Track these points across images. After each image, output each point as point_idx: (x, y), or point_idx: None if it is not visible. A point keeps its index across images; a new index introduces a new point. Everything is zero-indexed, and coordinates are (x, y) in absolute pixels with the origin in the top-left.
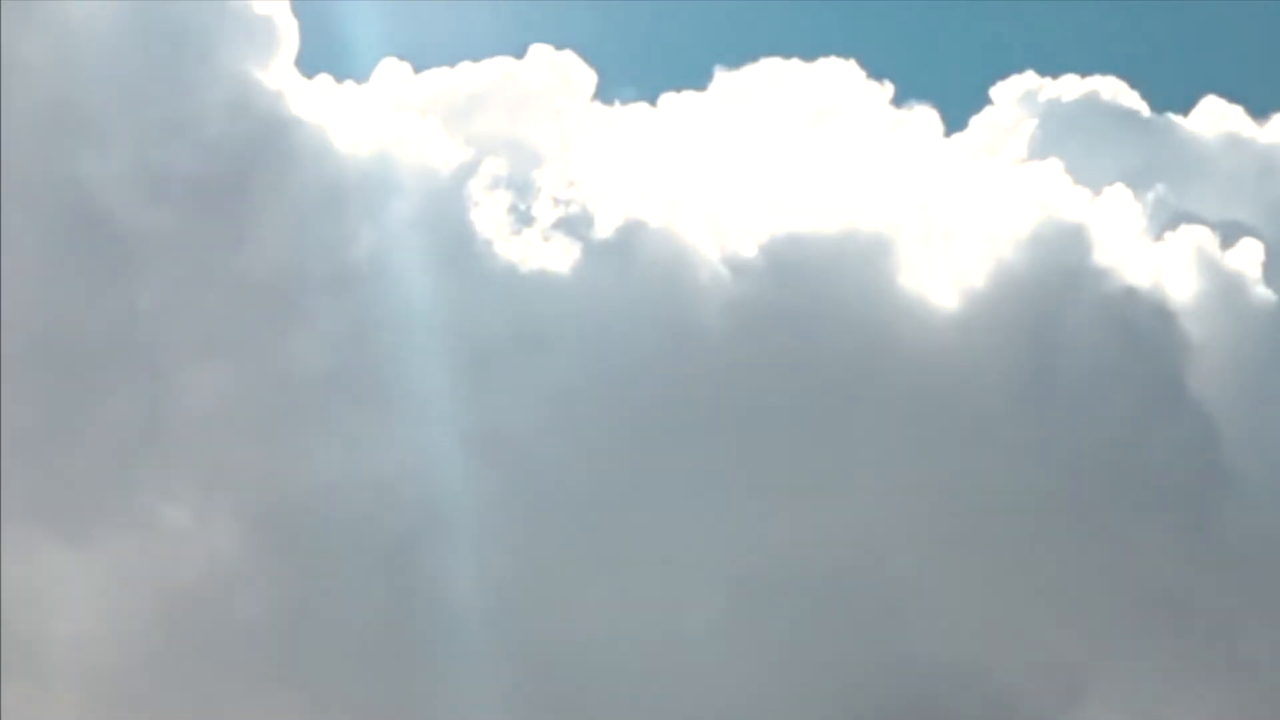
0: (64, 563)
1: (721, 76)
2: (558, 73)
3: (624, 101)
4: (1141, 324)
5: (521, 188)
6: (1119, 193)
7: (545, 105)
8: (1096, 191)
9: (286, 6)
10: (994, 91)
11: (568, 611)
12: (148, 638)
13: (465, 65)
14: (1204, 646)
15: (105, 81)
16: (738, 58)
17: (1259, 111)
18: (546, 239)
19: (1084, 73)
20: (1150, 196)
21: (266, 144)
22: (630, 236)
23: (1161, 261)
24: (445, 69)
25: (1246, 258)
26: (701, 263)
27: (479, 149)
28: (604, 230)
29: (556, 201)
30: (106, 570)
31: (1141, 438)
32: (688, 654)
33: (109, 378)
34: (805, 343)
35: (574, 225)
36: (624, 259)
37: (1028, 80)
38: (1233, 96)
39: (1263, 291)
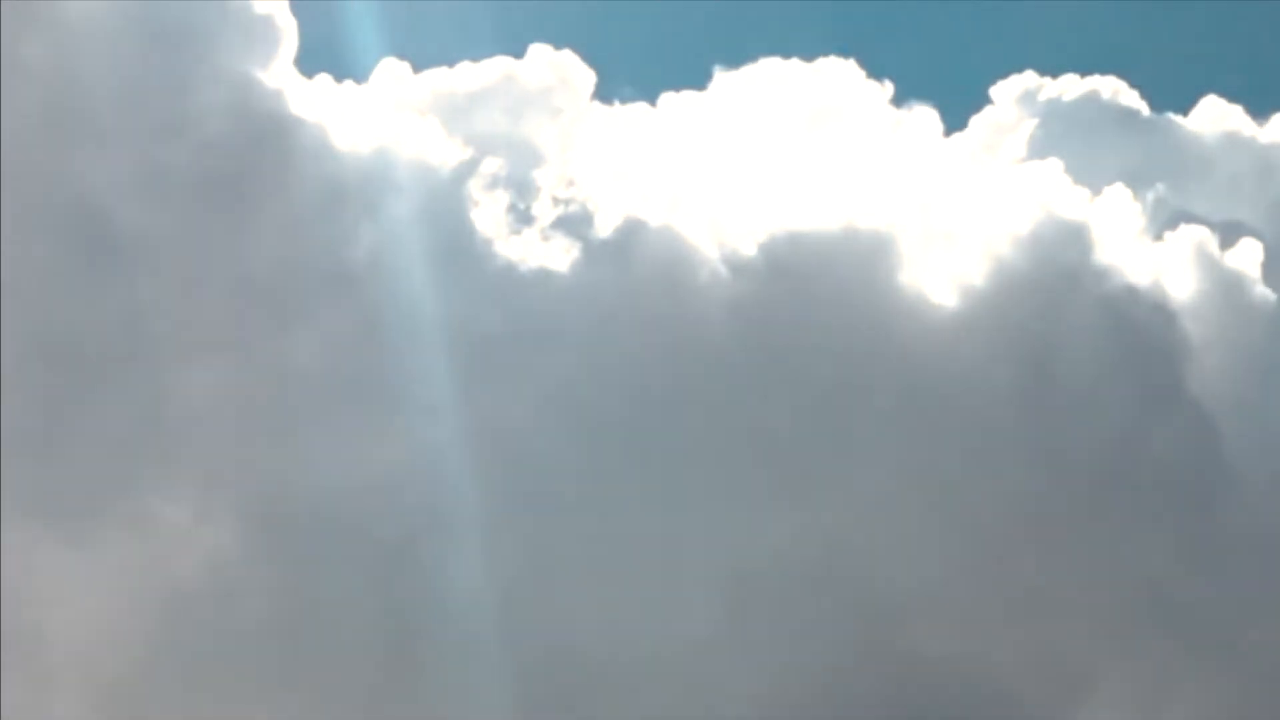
0: (64, 563)
1: (721, 76)
2: (557, 72)
3: (624, 101)
4: (1141, 324)
5: (521, 187)
6: (1119, 192)
7: (545, 105)
8: (1096, 191)
9: (286, 6)
10: (994, 91)
11: (567, 610)
12: (148, 637)
13: (465, 65)
14: (1204, 646)
15: (105, 81)
16: (738, 57)
17: (1259, 111)
18: (546, 238)
19: (1084, 72)
20: (1150, 196)
21: (266, 144)
22: (630, 236)
23: (1161, 261)
24: (445, 69)
25: (1246, 257)
26: (701, 262)
27: (479, 148)
28: (604, 230)
29: (556, 201)
30: (106, 570)
31: (1141, 437)
32: (687, 653)
33: (109, 378)
34: (805, 342)
35: (574, 225)
36: (624, 258)
37: (1027, 80)
38: (1233, 96)
39: (1262, 291)
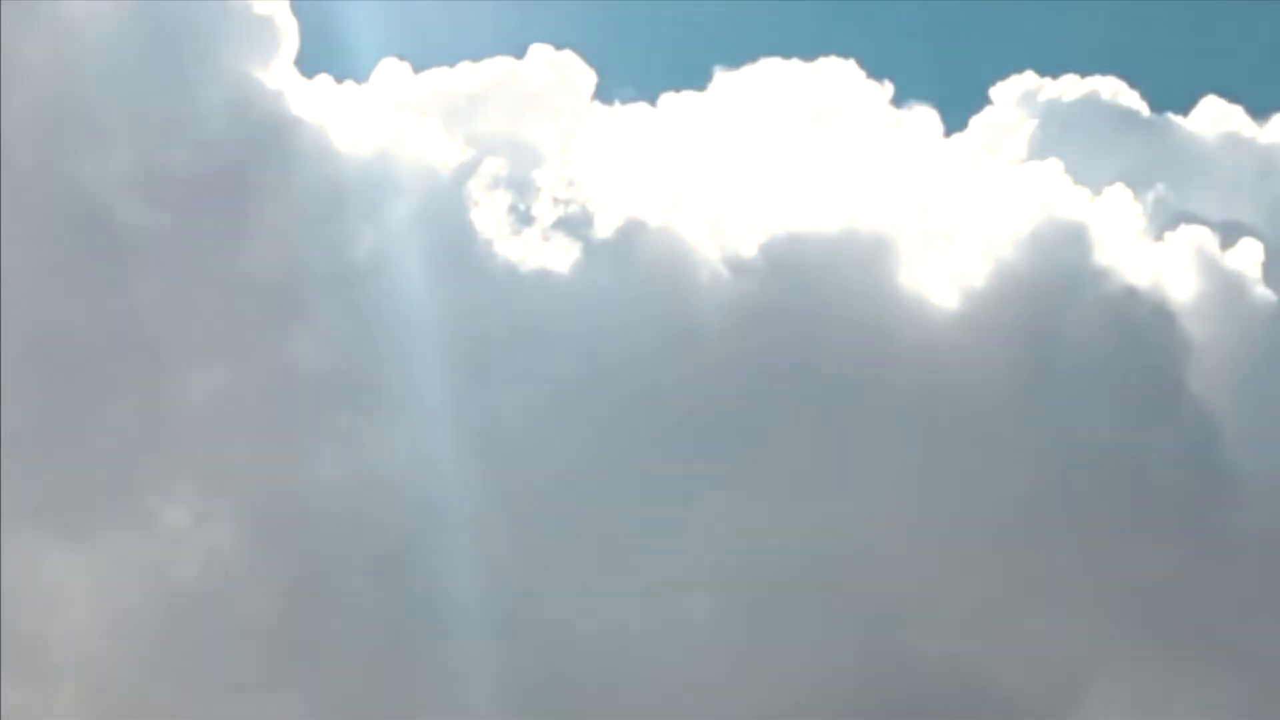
0: (64, 563)
1: (721, 76)
2: (558, 73)
3: (624, 101)
4: (1141, 324)
5: (521, 188)
6: (1119, 193)
7: (545, 105)
8: (1096, 191)
9: (286, 6)
10: (994, 91)
11: (566, 611)
12: (148, 637)
13: (465, 65)
14: (1204, 646)
15: (105, 81)
16: (738, 58)
17: (1259, 111)
18: (546, 239)
19: (1084, 73)
20: (1150, 196)
21: (266, 144)
22: (630, 236)
23: (1161, 261)
24: (445, 69)
25: (1246, 257)
26: (701, 262)
27: (479, 149)
28: (604, 230)
29: (556, 201)
30: (106, 570)
31: (1141, 438)
32: (687, 652)
33: (109, 378)
34: (805, 342)
35: (574, 225)
36: (624, 259)
37: (1028, 80)
38: (1233, 96)
39: (1263, 291)
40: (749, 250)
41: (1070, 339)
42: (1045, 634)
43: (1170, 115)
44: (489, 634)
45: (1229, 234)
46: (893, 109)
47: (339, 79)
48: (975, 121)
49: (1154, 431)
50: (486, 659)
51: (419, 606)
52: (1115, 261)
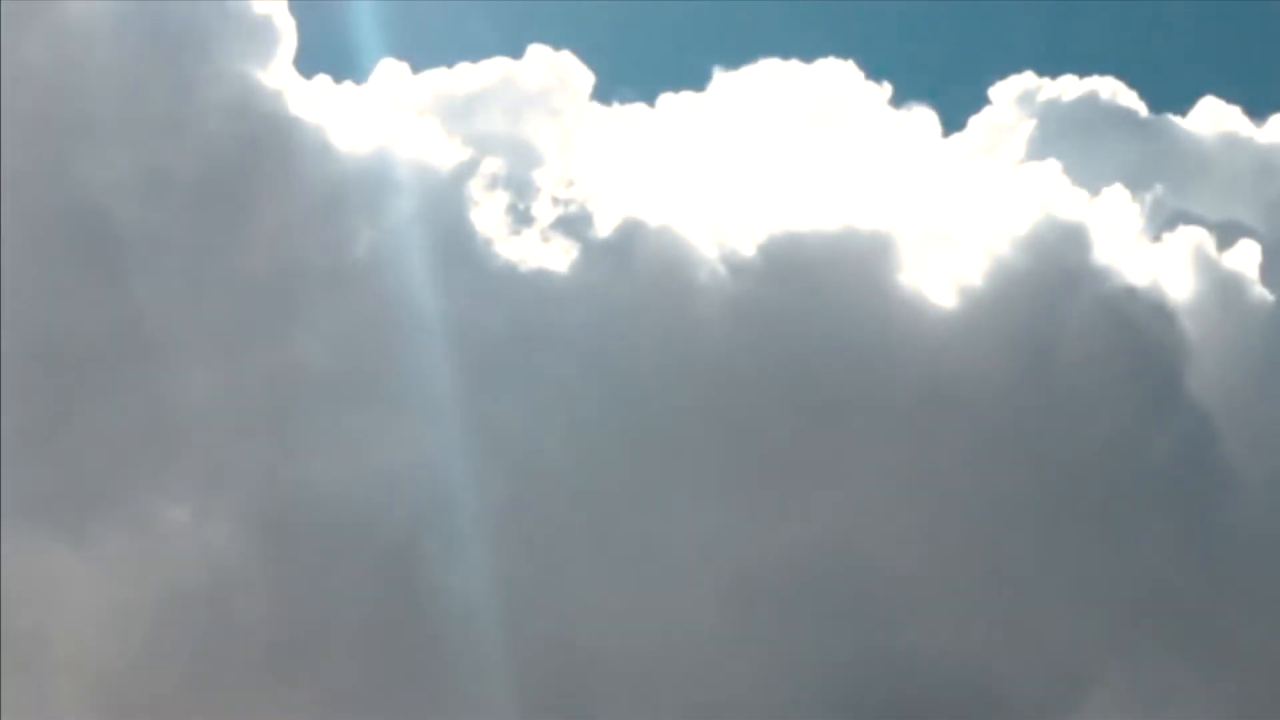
0: (64, 562)
1: (720, 77)
2: (556, 73)
3: (623, 102)
4: (1140, 324)
5: (521, 187)
6: (1117, 193)
7: (544, 105)
8: (1095, 192)
9: (286, 6)
10: (993, 92)
11: (568, 611)
12: (148, 637)
13: (464, 65)
14: (1204, 646)
15: (105, 81)
16: (737, 58)
17: (1257, 112)
18: (546, 239)
19: (1082, 73)
20: (1148, 197)
21: (266, 144)
22: (629, 236)
23: (1160, 262)
24: (444, 69)
25: (1244, 258)
26: (701, 262)
27: (478, 149)
28: (603, 230)
29: (556, 201)
30: (106, 570)
31: (1140, 437)
32: (688, 653)
33: (109, 378)
34: (804, 342)
35: (573, 225)
36: (623, 259)
37: (1026, 80)
38: (1231, 97)
39: (1260, 291)
40: (748, 250)
41: (1069, 339)
42: (1045, 633)
43: (1169, 116)
44: (488, 633)
45: (1227, 234)
46: (891, 110)
47: (338, 79)
48: (974, 122)
49: (1152, 431)
50: (487, 658)
51: (419, 606)
52: (1113, 262)
